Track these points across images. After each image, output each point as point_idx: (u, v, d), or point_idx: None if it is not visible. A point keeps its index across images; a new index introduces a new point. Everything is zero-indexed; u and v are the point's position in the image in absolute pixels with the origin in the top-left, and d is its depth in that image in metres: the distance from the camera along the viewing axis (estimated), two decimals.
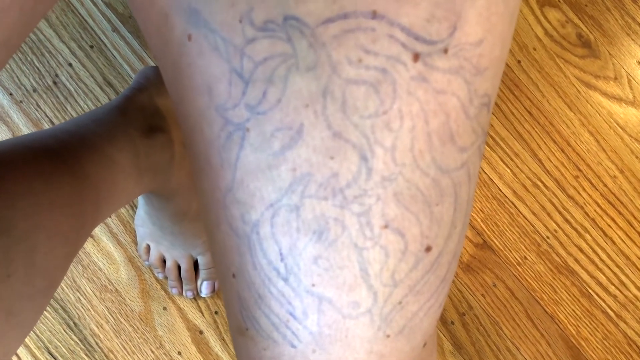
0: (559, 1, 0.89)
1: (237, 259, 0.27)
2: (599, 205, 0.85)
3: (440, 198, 0.26)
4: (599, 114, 0.87)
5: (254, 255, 0.26)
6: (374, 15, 0.23)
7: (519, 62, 0.87)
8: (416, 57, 0.23)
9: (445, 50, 0.24)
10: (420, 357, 0.29)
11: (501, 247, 0.83)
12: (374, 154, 0.24)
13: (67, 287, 0.76)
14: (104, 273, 0.77)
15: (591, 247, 0.84)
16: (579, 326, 0.82)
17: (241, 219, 0.26)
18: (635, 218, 0.85)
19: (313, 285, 0.26)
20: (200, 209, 0.30)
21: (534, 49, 0.87)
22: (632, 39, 0.89)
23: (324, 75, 0.23)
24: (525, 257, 0.83)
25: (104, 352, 0.76)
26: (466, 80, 0.25)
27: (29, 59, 0.78)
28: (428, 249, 0.26)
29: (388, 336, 0.27)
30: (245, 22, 0.23)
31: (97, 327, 0.76)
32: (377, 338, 0.27)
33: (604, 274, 0.84)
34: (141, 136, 0.54)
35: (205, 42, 0.24)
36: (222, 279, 0.30)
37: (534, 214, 0.84)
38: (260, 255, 0.26)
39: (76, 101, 0.79)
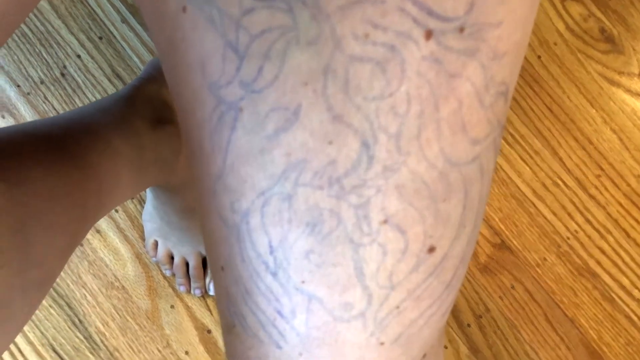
0: None
1: (226, 250, 0.25)
2: (621, 206, 0.82)
3: (448, 194, 0.23)
4: (623, 112, 0.84)
5: (243, 247, 0.24)
6: None
7: (539, 57, 0.84)
8: (429, 34, 0.21)
9: (461, 29, 0.21)
10: None
11: (520, 248, 0.81)
12: (377, 141, 0.22)
13: (72, 284, 0.75)
14: (111, 269, 0.76)
15: (613, 249, 0.81)
16: (600, 331, 0.80)
17: (230, 208, 0.24)
18: None
19: (303, 282, 0.24)
20: (195, 198, 0.29)
21: (555, 44, 0.85)
22: None
23: (326, 51, 0.21)
24: (545, 259, 0.81)
25: (109, 351, 0.75)
26: (482, 65, 0.22)
27: (37, 50, 0.77)
28: (431, 249, 0.24)
29: (382, 344, 0.25)
30: None
31: (102, 324, 0.75)
32: (370, 345, 0.25)
33: (627, 277, 0.81)
34: (148, 127, 0.53)
35: (200, 13, 0.22)
36: (213, 273, 0.28)
37: (554, 213, 0.81)
38: (249, 247, 0.24)
39: (84, 93, 0.78)
